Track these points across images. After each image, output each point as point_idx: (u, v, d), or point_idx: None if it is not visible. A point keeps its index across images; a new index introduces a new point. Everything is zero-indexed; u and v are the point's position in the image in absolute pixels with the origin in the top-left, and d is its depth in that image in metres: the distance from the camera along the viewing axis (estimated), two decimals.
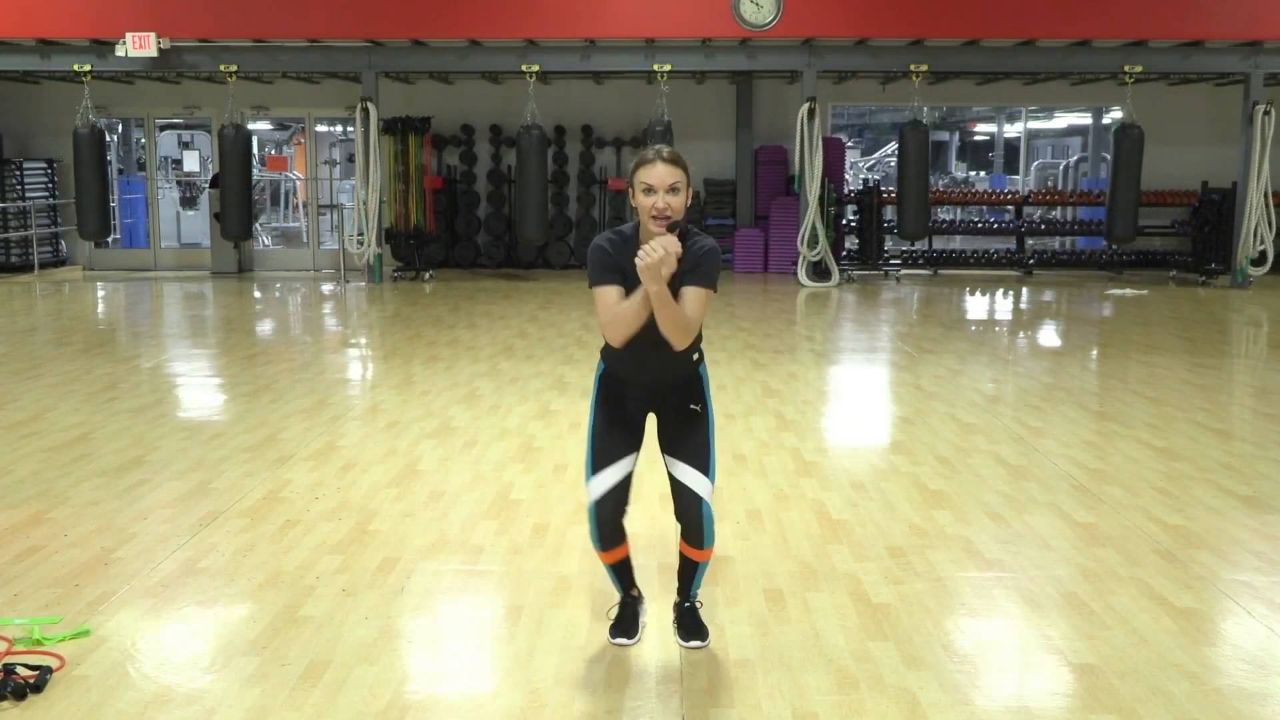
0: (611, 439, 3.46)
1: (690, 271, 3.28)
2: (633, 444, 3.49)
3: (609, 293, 3.32)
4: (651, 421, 3.56)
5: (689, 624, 3.63)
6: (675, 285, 3.24)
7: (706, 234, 3.39)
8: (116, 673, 3.38)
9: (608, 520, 3.44)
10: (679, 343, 3.31)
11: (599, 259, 3.35)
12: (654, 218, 3.24)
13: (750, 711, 3.19)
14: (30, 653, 3.47)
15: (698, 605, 3.67)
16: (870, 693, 3.29)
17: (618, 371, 3.52)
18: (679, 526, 3.50)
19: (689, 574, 3.60)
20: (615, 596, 3.72)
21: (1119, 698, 3.25)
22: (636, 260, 3.15)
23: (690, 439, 3.46)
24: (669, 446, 3.50)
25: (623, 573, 3.63)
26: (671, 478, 3.47)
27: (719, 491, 4.86)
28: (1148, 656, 3.52)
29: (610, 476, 3.42)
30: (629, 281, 3.30)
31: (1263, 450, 6.06)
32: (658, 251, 3.12)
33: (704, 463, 3.45)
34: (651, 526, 4.71)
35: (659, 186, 3.23)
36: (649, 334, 3.30)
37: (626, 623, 3.64)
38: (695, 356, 3.50)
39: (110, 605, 3.88)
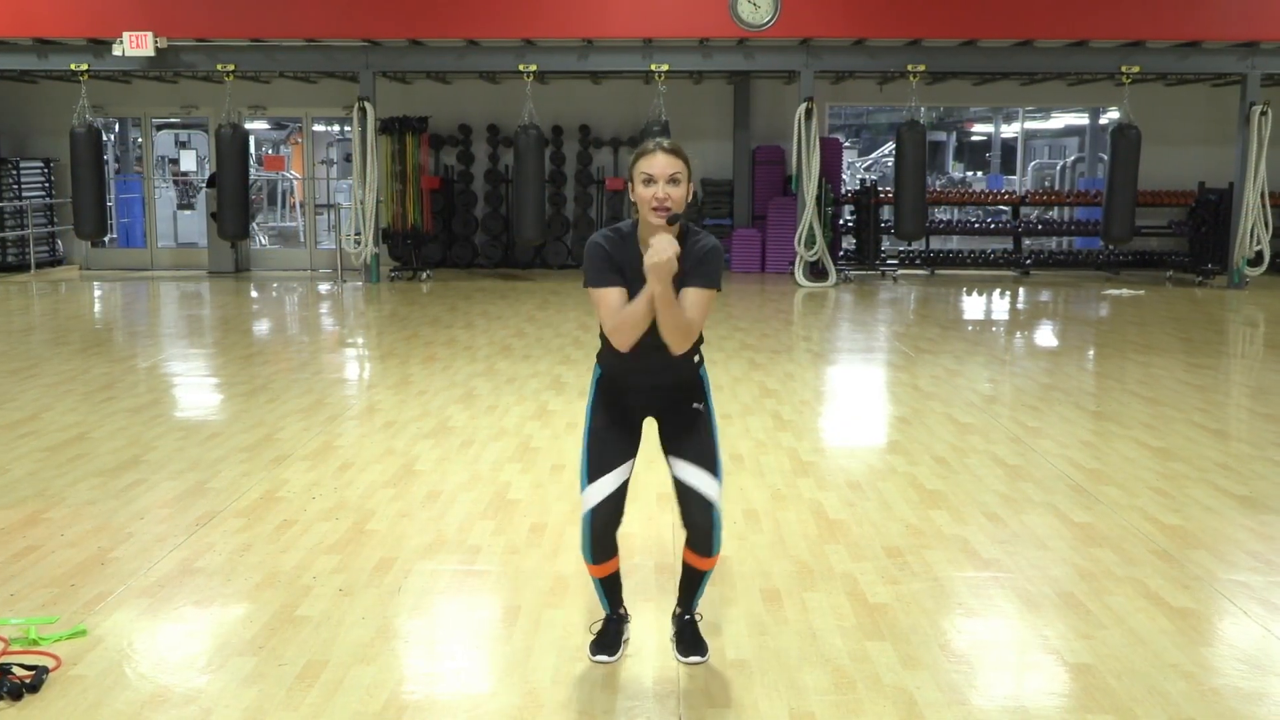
0: (609, 446, 3.31)
1: (692, 271, 3.13)
2: (630, 451, 3.36)
3: (611, 294, 3.16)
4: (650, 426, 3.43)
5: (688, 638, 3.49)
6: (676, 285, 3.09)
7: (707, 232, 3.24)
8: (113, 673, 3.37)
9: (601, 531, 3.28)
10: (677, 347, 3.15)
11: (598, 258, 3.17)
12: (654, 209, 3.09)
13: (747, 711, 3.18)
14: (26, 653, 3.46)
15: (698, 618, 3.53)
16: (867, 692, 3.29)
17: (616, 376, 3.37)
18: (684, 533, 3.35)
19: (693, 584, 3.43)
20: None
21: (1115, 697, 3.26)
22: (646, 257, 2.99)
23: (694, 438, 3.31)
24: (672, 447, 3.35)
25: (611, 589, 3.49)
26: (677, 481, 3.29)
27: None
28: (1144, 656, 3.52)
29: (607, 485, 3.26)
30: (629, 281, 3.17)
31: (1259, 450, 6.07)
32: (671, 248, 2.98)
33: (711, 462, 3.28)
34: (648, 527, 4.71)
35: (659, 176, 3.08)
36: (650, 336, 3.16)
37: (609, 639, 3.49)
38: (696, 359, 3.37)
39: (107, 605, 3.88)
